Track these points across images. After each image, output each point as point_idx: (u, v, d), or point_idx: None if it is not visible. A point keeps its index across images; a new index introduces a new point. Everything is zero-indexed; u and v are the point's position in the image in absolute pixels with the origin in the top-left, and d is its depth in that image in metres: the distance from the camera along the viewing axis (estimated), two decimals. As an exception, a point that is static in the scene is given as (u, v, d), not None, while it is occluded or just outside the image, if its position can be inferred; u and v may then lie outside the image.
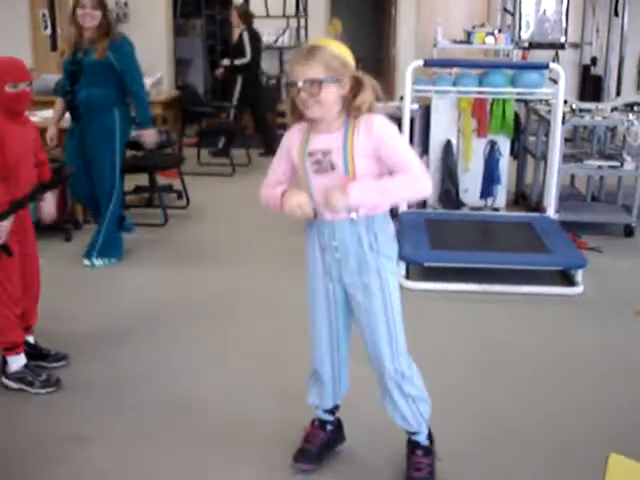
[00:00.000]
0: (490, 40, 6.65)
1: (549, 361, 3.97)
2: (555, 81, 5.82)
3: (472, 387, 3.67)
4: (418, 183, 2.49)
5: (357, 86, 2.53)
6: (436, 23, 6.89)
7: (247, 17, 9.04)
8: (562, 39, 10.68)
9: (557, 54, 10.48)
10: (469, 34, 6.82)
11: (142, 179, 6.94)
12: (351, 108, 2.53)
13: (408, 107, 5.75)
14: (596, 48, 10.61)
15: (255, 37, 9.06)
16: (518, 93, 6.06)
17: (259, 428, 3.24)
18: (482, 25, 7.36)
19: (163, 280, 5.13)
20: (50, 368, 3.73)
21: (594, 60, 10.69)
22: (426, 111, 6.55)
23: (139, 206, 7.01)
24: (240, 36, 8.94)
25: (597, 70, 10.59)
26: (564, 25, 10.76)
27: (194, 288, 4.98)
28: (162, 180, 7.09)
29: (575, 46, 10.73)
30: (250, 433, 3.21)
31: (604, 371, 3.87)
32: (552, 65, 5.79)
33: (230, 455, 3.06)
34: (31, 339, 3.80)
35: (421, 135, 6.47)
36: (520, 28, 10.31)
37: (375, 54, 12.58)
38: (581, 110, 6.25)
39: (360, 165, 2.51)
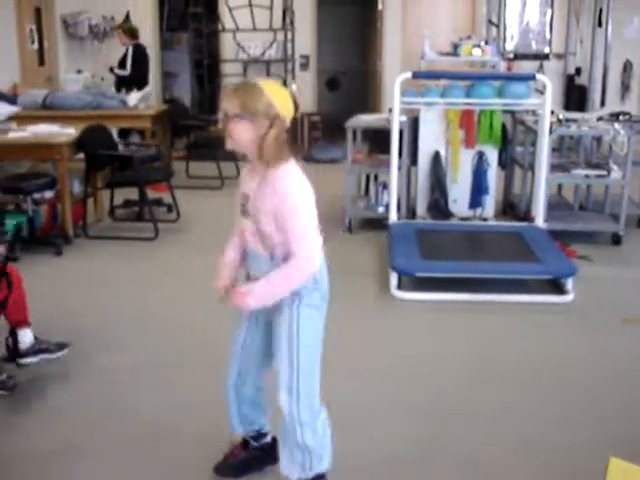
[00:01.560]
0: (477, 52, 6.69)
1: (541, 369, 4.00)
2: (541, 92, 5.88)
3: (464, 396, 3.69)
4: (298, 271, 2.50)
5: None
6: (423, 35, 6.93)
7: (132, 33, 9.19)
8: (546, 50, 10.80)
9: (542, 65, 10.60)
10: (456, 46, 6.87)
11: (132, 193, 6.95)
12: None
13: (397, 119, 5.79)
14: (580, 58, 10.72)
15: (142, 52, 9.22)
16: (505, 104, 6.11)
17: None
18: (468, 37, 7.42)
19: (156, 294, 5.14)
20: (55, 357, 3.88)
21: (578, 70, 10.80)
22: (414, 123, 6.59)
23: (129, 220, 7.02)
24: (126, 51, 9.09)
25: (581, 80, 10.70)
26: (548, 36, 10.89)
27: (187, 302, 4.98)
28: (152, 194, 7.10)
29: (559, 57, 10.84)
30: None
31: (596, 378, 3.90)
32: (538, 76, 5.86)
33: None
34: (30, 334, 3.84)
35: (410, 146, 6.51)
36: (505, 40, 10.42)
37: (361, 67, 12.65)
38: (567, 120, 6.31)
39: (264, 221, 2.53)
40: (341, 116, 12.19)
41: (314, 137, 10.88)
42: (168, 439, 3.28)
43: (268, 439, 3.00)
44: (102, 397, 3.67)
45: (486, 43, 6.98)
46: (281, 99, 2.51)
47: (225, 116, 2.51)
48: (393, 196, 5.96)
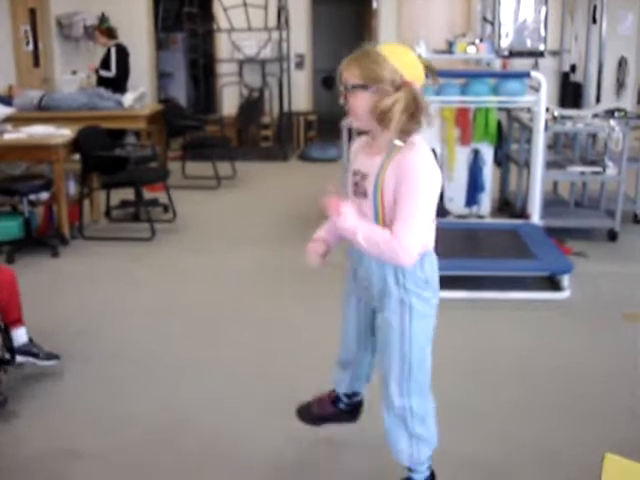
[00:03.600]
0: (472, 50, 6.69)
1: (539, 366, 4.00)
2: (536, 89, 5.88)
3: (463, 393, 3.69)
4: (395, 253, 2.32)
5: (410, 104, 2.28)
6: (418, 34, 6.94)
7: (110, 33, 9.20)
8: (541, 47, 10.79)
9: (537, 62, 10.59)
10: (451, 44, 6.87)
11: (128, 194, 6.95)
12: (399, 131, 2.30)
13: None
14: (575, 55, 10.72)
15: (123, 52, 9.22)
16: (500, 101, 6.11)
17: (255, 442, 3.26)
18: (463, 35, 7.42)
19: (153, 294, 5.14)
20: (42, 366, 3.84)
21: (573, 67, 10.81)
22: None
23: (125, 221, 7.02)
24: (108, 51, 9.10)
25: (576, 77, 10.71)
26: (543, 33, 10.87)
27: (184, 303, 4.98)
28: (148, 194, 7.10)
29: (554, 54, 10.84)
30: (245, 448, 3.22)
31: (595, 374, 3.90)
32: (533, 73, 5.86)
33: (224, 471, 3.08)
34: (24, 335, 3.83)
35: (405, 145, 6.51)
36: (500, 37, 10.40)
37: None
38: (562, 117, 6.31)
39: (387, 196, 2.34)
40: (336, 115, 12.28)
41: (310, 136, 10.89)
42: (169, 441, 3.28)
43: (359, 398, 3.01)
44: (100, 399, 3.67)
45: (481, 41, 6.98)
46: (408, 63, 2.29)
47: (345, 88, 2.31)
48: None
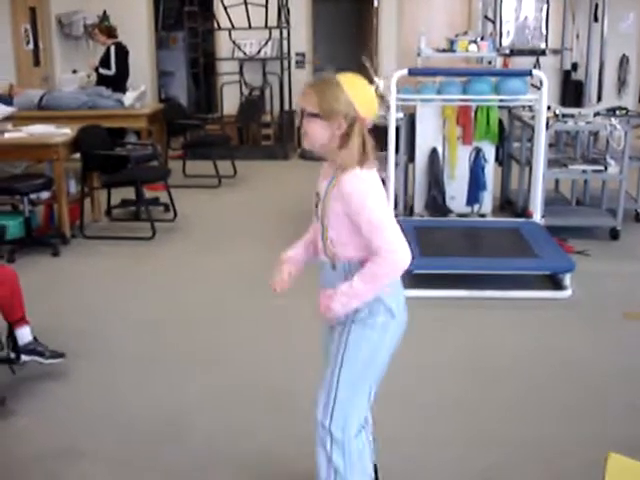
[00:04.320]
0: (473, 48, 6.69)
1: (541, 365, 3.99)
2: (538, 87, 5.87)
3: (464, 392, 3.69)
4: (389, 266, 2.33)
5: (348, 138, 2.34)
6: (419, 32, 6.93)
7: (110, 32, 9.15)
8: (542, 45, 10.79)
9: (538, 60, 10.58)
10: (452, 42, 6.86)
11: (128, 193, 6.93)
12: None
13: (394, 116, 5.78)
14: (576, 54, 10.71)
15: (122, 50, 9.17)
16: (502, 100, 6.10)
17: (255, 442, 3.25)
18: (465, 33, 7.41)
19: (155, 294, 5.13)
20: (47, 364, 3.82)
21: (575, 65, 10.79)
22: (411, 119, 6.58)
23: (126, 220, 7.01)
24: (107, 50, 9.05)
25: (578, 75, 10.69)
26: (544, 31, 10.87)
27: (187, 302, 4.97)
28: (148, 193, 7.09)
29: (556, 52, 10.83)
30: (246, 448, 3.22)
31: (598, 374, 3.89)
32: (535, 72, 5.84)
33: (224, 470, 3.07)
34: (29, 334, 3.82)
35: (407, 143, 6.50)
36: (501, 35, 10.40)
37: (356, 64, 12.63)
38: (564, 115, 6.29)
39: (333, 222, 2.39)
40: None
41: (311, 135, 10.86)
42: (170, 440, 3.27)
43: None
44: (103, 398, 3.66)
45: (482, 39, 6.97)
46: (363, 98, 2.35)
47: (302, 113, 2.38)
48: (390, 193, 5.95)
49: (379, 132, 6.56)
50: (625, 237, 6.22)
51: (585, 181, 6.87)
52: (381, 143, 6.16)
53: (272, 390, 3.69)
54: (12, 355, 3.78)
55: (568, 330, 4.48)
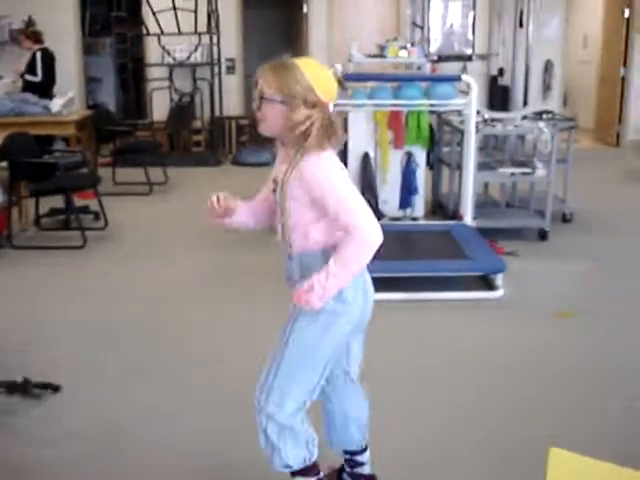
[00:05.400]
0: (403, 54, 6.76)
1: (475, 366, 4.05)
2: (466, 92, 5.97)
3: (400, 396, 3.71)
4: (363, 243, 2.26)
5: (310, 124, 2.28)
6: (350, 38, 6.98)
7: (37, 37, 9.01)
8: (469, 51, 10.99)
9: (465, 66, 10.76)
10: (383, 48, 6.93)
11: (57, 201, 6.79)
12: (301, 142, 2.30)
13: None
14: (503, 59, 10.93)
15: (49, 56, 9.04)
16: (432, 105, 6.17)
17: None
18: (395, 39, 7.49)
19: (88, 306, 5.02)
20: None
21: (501, 71, 11.01)
22: (343, 125, 6.61)
23: (55, 229, 6.86)
24: (33, 56, 8.90)
25: (504, 80, 10.91)
26: (470, 37, 11.08)
27: (122, 314, 4.88)
28: (78, 201, 6.93)
29: (482, 57, 11.03)
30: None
31: (530, 373, 3.96)
32: (464, 77, 5.95)
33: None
34: None
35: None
36: (429, 41, 10.56)
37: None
38: (493, 120, 6.42)
39: (292, 207, 2.35)
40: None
41: (242, 141, 10.84)
42: (111, 456, 3.21)
43: (364, 470, 2.79)
44: (37, 415, 3.57)
45: (412, 45, 7.05)
46: (323, 82, 2.30)
47: (259, 97, 2.30)
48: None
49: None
50: (553, 237, 6.36)
51: (513, 184, 7.01)
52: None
53: (231, 401, 3.65)
54: None
55: (502, 330, 4.54)
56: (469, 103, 5.88)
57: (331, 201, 2.28)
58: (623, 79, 11.28)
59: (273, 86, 2.27)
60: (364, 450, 2.76)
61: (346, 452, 2.77)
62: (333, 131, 2.33)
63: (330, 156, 2.35)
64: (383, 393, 3.69)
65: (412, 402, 3.64)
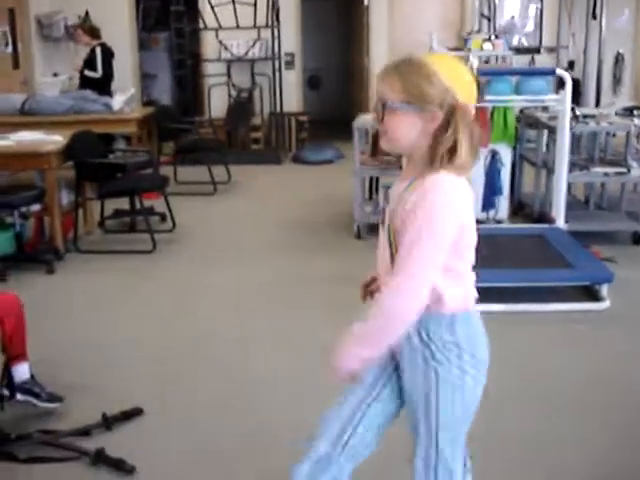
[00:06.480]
0: (488, 46, 6.39)
1: (583, 387, 3.69)
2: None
3: (503, 410, 3.38)
4: (397, 300, 1.84)
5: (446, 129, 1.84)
6: (411, 30, 6.63)
7: (94, 32, 8.70)
8: (538, 43, 10.59)
9: (533, 58, 10.35)
10: (465, 40, 6.57)
11: (120, 202, 6.54)
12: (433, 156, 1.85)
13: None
14: (573, 52, 10.50)
15: (108, 51, 8.73)
16: (526, 101, 5.79)
17: None
18: (478, 31, 7.13)
19: (163, 315, 4.74)
20: (42, 407, 3.42)
21: (571, 64, 10.57)
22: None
23: (121, 231, 6.60)
24: (93, 51, 8.58)
25: (575, 73, 10.45)
26: (537, 30, 10.68)
27: (200, 324, 4.59)
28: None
29: (551, 50, 10.61)
30: None
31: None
32: (558, 71, 5.57)
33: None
34: (27, 372, 3.41)
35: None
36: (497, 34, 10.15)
37: (343, 64, 12.32)
38: (585, 116, 6.02)
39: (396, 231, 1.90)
40: (326, 115, 11.92)
41: (301, 138, 10.52)
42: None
43: None
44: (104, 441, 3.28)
45: (496, 37, 6.68)
46: (461, 80, 1.85)
47: (381, 105, 1.87)
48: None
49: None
50: (649, 242, 5.96)
51: (602, 184, 6.60)
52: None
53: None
54: (6, 392, 3.37)
55: (612, 347, 4.15)
56: (564, 99, 5.49)
57: (413, 230, 1.82)
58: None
59: (399, 89, 1.83)
60: None
61: None
62: (477, 140, 1.89)
63: (459, 182, 1.87)
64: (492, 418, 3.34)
65: (505, 414, 3.28)
